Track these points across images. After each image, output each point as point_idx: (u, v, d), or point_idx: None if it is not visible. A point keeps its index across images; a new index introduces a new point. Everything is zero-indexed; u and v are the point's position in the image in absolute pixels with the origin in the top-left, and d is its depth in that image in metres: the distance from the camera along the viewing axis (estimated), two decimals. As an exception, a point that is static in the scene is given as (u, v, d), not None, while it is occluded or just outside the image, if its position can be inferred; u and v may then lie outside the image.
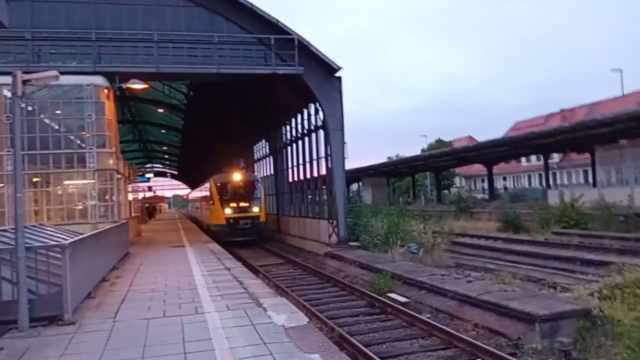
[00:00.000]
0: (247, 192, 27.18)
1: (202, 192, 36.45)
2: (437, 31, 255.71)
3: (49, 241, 9.89)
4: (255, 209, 26.44)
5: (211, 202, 27.79)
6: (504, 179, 71.09)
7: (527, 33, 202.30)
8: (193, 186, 62.54)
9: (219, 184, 27.53)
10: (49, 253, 8.17)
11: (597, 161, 32.55)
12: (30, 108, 17.59)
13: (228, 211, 26.04)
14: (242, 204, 26.26)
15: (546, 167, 42.07)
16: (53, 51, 18.56)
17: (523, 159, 61.59)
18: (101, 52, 18.49)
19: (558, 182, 55.88)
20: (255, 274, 14.78)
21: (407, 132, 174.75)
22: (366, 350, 8.15)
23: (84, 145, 18.08)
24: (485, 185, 55.94)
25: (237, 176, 28.22)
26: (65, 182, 18.84)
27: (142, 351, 6.47)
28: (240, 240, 25.44)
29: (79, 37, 18.27)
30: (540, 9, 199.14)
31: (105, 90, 18.22)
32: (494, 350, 7.79)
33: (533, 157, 57.65)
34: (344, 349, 8.24)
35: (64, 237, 10.76)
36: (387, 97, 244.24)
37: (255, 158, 38.20)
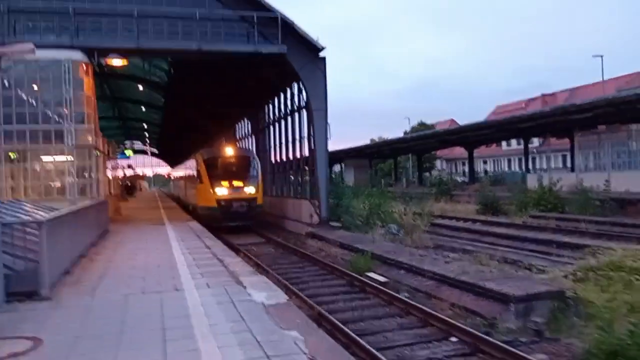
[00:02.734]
0: (241, 169, 23.83)
1: (187, 169, 33.14)
2: (428, 15, 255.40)
3: (25, 217, 9.77)
4: (251, 190, 23.03)
5: (199, 180, 24.22)
6: (485, 162, 71.78)
7: (517, 17, 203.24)
8: (174, 165, 61.90)
9: (208, 160, 24.08)
10: (26, 229, 8.06)
11: (576, 146, 33.01)
12: (6, 83, 17.19)
13: (219, 192, 22.57)
14: (235, 184, 22.88)
15: (526, 151, 42.55)
16: (30, 25, 18.08)
17: (504, 143, 62.19)
18: (80, 27, 18.07)
19: (537, 166, 56.56)
20: (236, 253, 14.80)
21: (391, 115, 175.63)
22: (344, 327, 8.24)
23: (62, 122, 17.75)
24: (466, 169, 56.45)
25: (229, 151, 24.71)
26: (43, 158, 18.54)
27: (120, 327, 6.45)
28: (233, 225, 22.25)
29: (57, 11, 17.81)
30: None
31: (84, 66, 17.84)
32: (470, 329, 7.93)
33: (513, 141, 58.24)
34: (322, 326, 8.31)
35: (41, 213, 10.63)
36: (375, 80, 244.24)
37: (237, 137, 37.96)
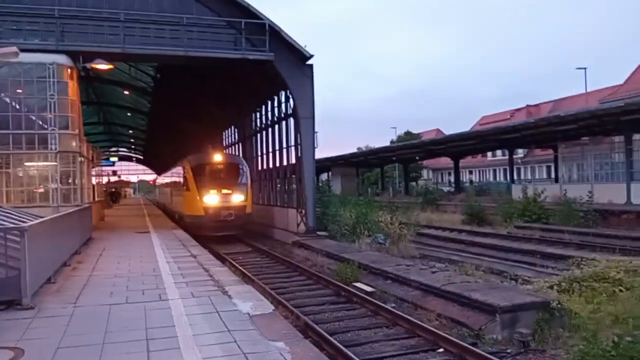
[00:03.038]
0: (230, 177, 22.95)
1: (172, 176, 32.20)
2: (417, 20, 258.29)
3: (7, 223, 9.59)
4: (240, 198, 22.24)
5: (185, 187, 23.29)
6: (470, 172, 72.30)
7: (505, 23, 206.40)
8: (159, 171, 61.39)
9: (195, 167, 23.06)
10: (7, 236, 7.91)
11: (560, 157, 33.33)
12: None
13: (207, 200, 21.70)
14: (224, 192, 22.03)
15: (511, 162, 42.99)
16: (14, 27, 17.87)
17: (489, 154, 62.69)
18: (65, 30, 17.90)
19: (522, 176, 57.13)
20: (222, 262, 14.69)
21: (378, 122, 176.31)
22: (331, 338, 8.18)
23: (45, 126, 17.53)
24: (452, 178, 56.77)
25: (218, 157, 23.67)
26: (26, 164, 18.28)
27: (103, 337, 6.34)
28: (220, 235, 21.50)
29: (42, 14, 17.63)
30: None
31: (69, 70, 17.65)
32: (456, 340, 7.93)
33: (499, 152, 58.75)
34: (308, 337, 8.26)
35: (23, 219, 10.46)
36: (362, 85, 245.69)
37: (224, 145, 37.82)
